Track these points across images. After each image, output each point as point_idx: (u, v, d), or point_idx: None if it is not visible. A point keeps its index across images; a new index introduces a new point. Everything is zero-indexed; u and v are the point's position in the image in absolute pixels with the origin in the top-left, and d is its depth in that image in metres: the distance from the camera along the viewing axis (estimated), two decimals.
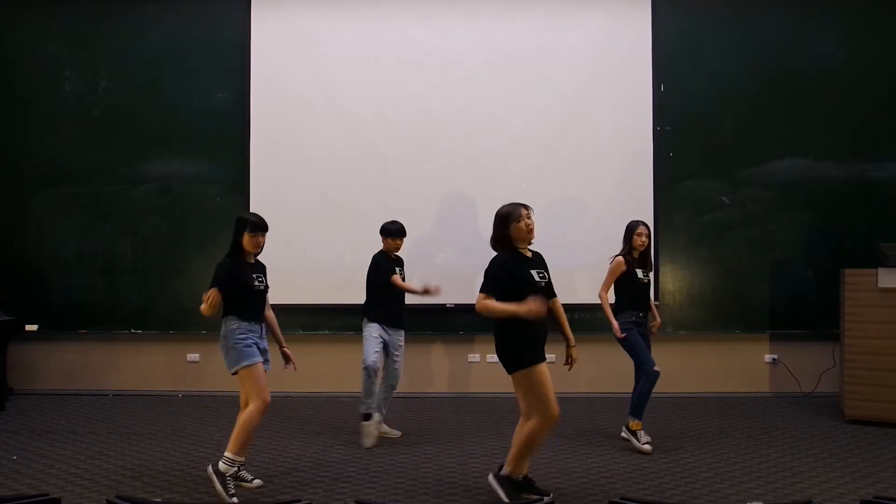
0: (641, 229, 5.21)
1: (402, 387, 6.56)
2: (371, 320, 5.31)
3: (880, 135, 6.80)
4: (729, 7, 6.84)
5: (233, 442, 4.14)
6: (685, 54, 6.82)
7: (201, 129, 6.91)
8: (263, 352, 4.33)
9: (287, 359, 4.54)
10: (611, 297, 5.21)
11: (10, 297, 6.68)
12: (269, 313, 4.55)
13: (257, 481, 4.31)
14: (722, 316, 6.79)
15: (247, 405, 4.20)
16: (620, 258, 5.20)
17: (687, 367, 6.80)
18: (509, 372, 3.96)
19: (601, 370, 6.64)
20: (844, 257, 6.44)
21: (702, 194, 6.81)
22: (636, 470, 4.67)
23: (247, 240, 4.27)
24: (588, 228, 6.70)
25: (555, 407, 3.90)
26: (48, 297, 6.90)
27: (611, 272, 5.20)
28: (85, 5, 6.99)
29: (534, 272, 4.01)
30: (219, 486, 4.08)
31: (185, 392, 6.86)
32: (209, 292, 4.04)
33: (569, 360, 4.27)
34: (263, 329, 4.42)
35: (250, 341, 4.24)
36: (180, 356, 6.95)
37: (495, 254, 4.03)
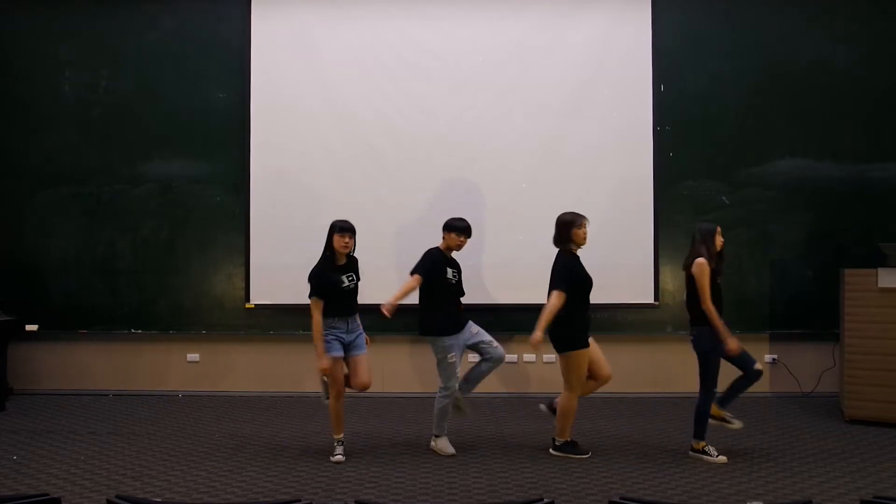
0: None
1: (403, 387, 6.60)
2: (444, 333, 5.02)
3: (880, 135, 6.79)
4: (729, 7, 6.84)
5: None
6: (685, 54, 6.82)
7: (201, 129, 6.90)
8: (349, 345, 4.93)
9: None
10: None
11: (10, 297, 6.67)
12: None
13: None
14: (722, 316, 6.76)
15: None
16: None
17: (687, 367, 6.74)
18: (560, 351, 4.91)
19: None
20: (844, 257, 6.43)
21: (702, 194, 6.80)
22: (636, 470, 4.67)
23: (336, 241, 4.88)
24: (588, 228, 6.68)
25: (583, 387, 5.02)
26: (48, 297, 6.89)
27: None
28: (85, 5, 6.98)
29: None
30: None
31: (185, 392, 6.86)
32: (322, 365, 4.85)
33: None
34: (350, 322, 4.95)
35: (331, 337, 4.86)
36: (180, 356, 6.94)
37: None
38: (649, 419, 5.94)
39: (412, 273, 5.07)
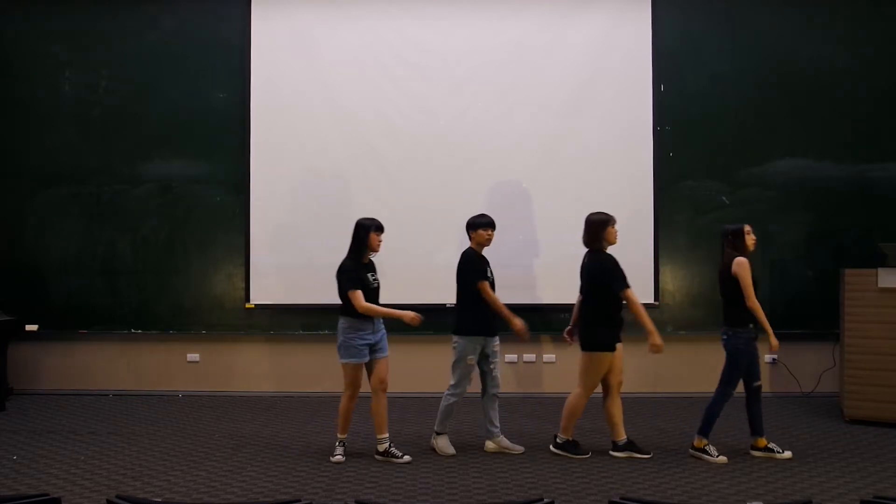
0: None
1: (403, 387, 6.58)
2: (471, 333, 5.02)
3: (880, 135, 6.79)
4: (729, 7, 6.84)
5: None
6: (685, 54, 6.82)
7: (201, 129, 6.91)
8: (374, 346, 4.86)
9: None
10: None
11: (10, 297, 6.68)
12: None
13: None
14: (722, 316, 6.77)
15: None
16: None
17: (687, 367, 6.79)
18: (584, 349, 4.92)
19: None
20: (844, 257, 6.43)
21: (702, 194, 6.81)
22: (636, 470, 4.67)
23: (374, 239, 4.86)
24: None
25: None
26: (48, 297, 6.89)
27: None
28: (85, 5, 6.98)
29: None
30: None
31: (185, 392, 6.86)
32: (410, 316, 4.75)
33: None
34: (376, 322, 4.88)
35: (358, 342, 4.81)
36: (180, 356, 6.94)
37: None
38: (649, 419, 5.94)
39: (472, 283, 4.98)
